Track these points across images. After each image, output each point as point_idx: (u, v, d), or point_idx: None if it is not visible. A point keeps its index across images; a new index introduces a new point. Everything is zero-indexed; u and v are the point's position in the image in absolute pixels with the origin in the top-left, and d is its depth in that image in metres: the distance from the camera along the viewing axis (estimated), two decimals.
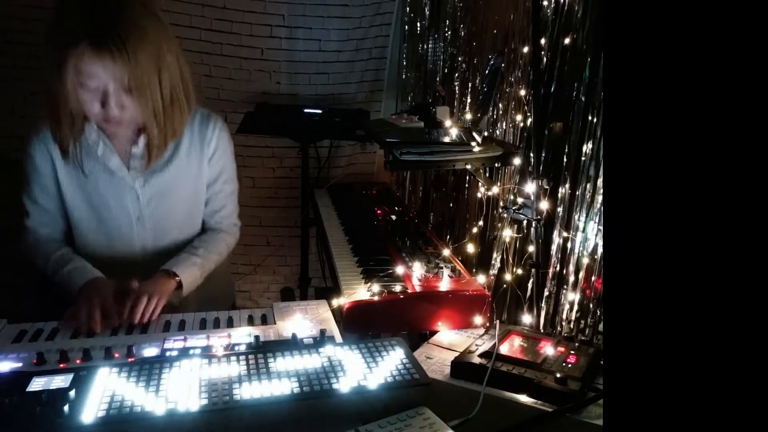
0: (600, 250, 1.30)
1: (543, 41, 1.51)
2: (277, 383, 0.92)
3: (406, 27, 2.68)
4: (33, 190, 1.40)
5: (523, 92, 1.64)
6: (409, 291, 1.30)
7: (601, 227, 1.29)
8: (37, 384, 0.91)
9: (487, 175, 1.63)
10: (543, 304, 1.48)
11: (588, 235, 1.34)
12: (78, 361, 1.04)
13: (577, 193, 1.39)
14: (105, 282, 1.30)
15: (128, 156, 1.39)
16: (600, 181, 1.30)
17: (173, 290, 1.34)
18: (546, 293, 1.48)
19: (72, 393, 0.88)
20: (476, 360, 1.04)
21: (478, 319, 1.27)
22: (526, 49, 1.61)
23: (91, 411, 0.84)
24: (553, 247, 1.46)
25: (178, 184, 1.45)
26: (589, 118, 1.34)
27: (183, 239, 1.50)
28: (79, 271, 1.33)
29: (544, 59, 1.51)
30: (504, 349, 1.09)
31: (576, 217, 1.39)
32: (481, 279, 1.43)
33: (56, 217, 1.43)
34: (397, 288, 1.31)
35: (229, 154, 1.52)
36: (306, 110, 2.52)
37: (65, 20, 1.20)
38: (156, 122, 1.30)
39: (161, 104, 1.27)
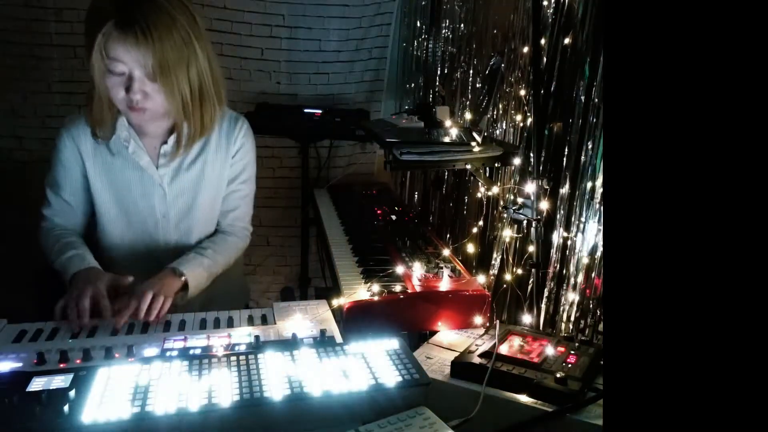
0: (600, 250, 1.30)
1: (543, 41, 1.51)
2: (277, 383, 0.92)
3: (406, 27, 2.68)
4: (57, 181, 1.42)
5: (523, 92, 1.64)
6: (409, 291, 1.30)
7: (601, 227, 1.29)
8: (37, 384, 0.91)
9: (487, 175, 1.63)
10: (543, 304, 1.48)
11: (588, 235, 1.34)
12: (78, 361, 1.04)
13: (577, 193, 1.39)
14: (98, 272, 1.29)
15: (158, 154, 1.41)
16: (600, 181, 1.30)
17: (179, 290, 1.33)
18: (546, 293, 1.48)
19: (72, 393, 0.88)
20: (476, 360, 1.04)
21: (478, 319, 1.27)
22: (526, 49, 1.61)
23: (91, 411, 0.84)
24: (553, 247, 1.46)
25: (204, 184, 1.46)
26: (589, 118, 1.34)
27: (204, 237, 1.51)
28: (75, 258, 1.32)
29: (544, 59, 1.51)
30: (504, 349, 1.09)
31: (576, 217, 1.39)
32: (481, 279, 1.43)
33: (75, 210, 1.44)
34: (397, 288, 1.31)
35: (251, 156, 1.53)
36: (306, 110, 2.51)
37: (96, 2, 1.22)
38: (185, 116, 1.31)
39: (189, 97, 1.28)
